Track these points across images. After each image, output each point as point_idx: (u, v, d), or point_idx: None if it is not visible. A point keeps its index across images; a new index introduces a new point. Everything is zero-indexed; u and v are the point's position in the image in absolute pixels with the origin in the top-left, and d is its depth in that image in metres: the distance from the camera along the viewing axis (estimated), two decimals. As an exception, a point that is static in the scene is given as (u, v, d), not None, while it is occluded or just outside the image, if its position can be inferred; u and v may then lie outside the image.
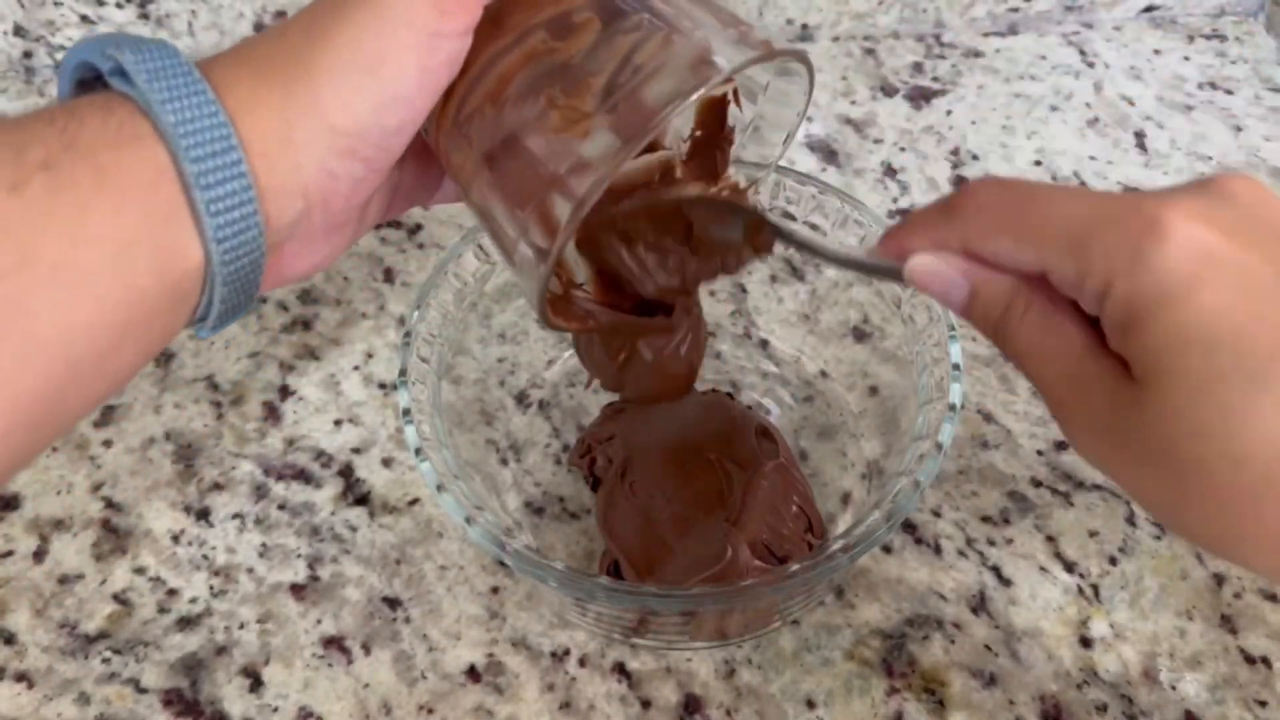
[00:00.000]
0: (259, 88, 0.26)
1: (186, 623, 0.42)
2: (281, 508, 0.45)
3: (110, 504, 0.46)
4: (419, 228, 0.56)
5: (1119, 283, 0.25)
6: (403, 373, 0.39)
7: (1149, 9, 0.69)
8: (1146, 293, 0.24)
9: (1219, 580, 0.43)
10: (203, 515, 0.45)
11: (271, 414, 0.49)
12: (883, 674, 0.40)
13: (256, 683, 0.41)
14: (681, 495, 0.41)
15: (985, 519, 0.45)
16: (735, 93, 0.34)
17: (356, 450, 0.47)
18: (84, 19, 0.62)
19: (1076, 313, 0.27)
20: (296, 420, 0.48)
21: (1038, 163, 0.60)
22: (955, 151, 0.60)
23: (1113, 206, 0.26)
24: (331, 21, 0.27)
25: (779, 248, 0.34)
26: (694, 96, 0.26)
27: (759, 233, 0.34)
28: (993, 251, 0.27)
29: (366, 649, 0.41)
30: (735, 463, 0.41)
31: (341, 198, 0.28)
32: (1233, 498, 0.24)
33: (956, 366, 0.38)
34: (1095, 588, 0.43)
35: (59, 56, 0.63)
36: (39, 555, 0.44)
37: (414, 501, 0.45)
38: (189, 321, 0.28)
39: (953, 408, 0.37)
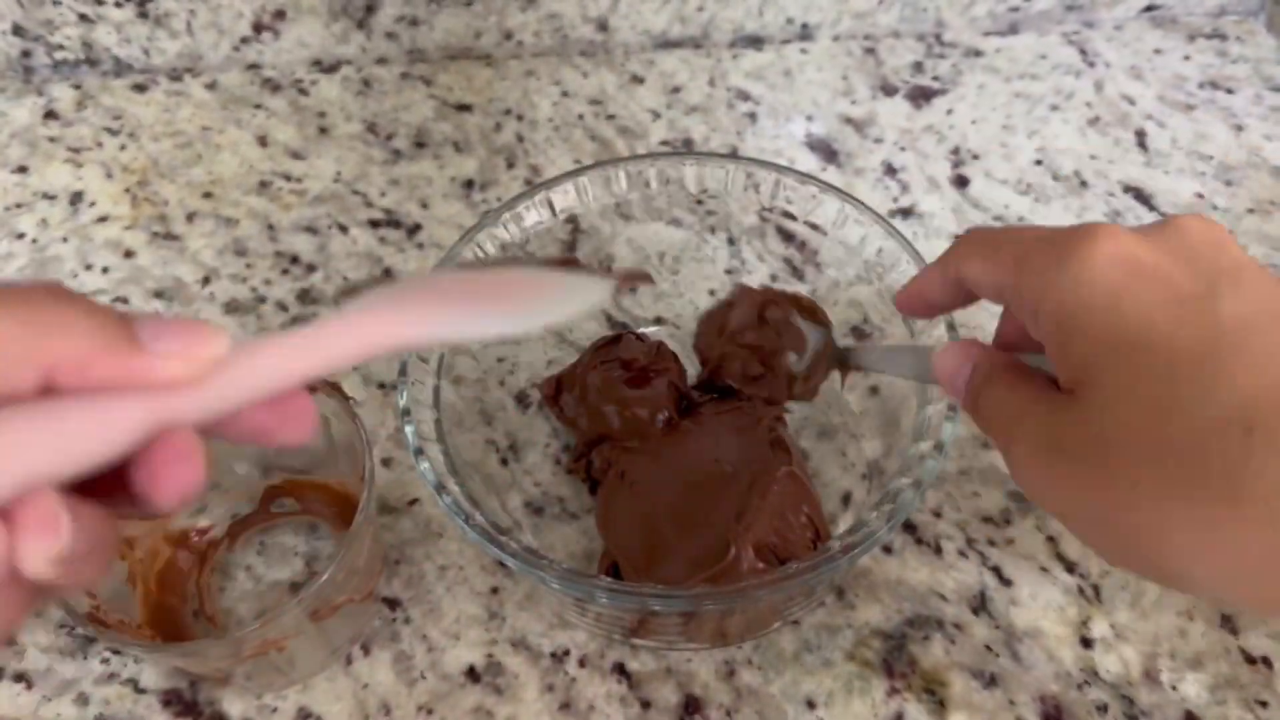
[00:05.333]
0: None
1: (186, 623, 0.42)
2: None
3: (109, 504, 0.45)
4: (419, 228, 0.56)
5: (1049, 294, 0.27)
6: (402, 372, 0.39)
7: (1150, 8, 0.69)
8: (1073, 302, 0.26)
9: (1220, 580, 0.43)
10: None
11: (271, 414, 0.48)
12: (883, 674, 0.40)
13: (256, 683, 0.40)
14: (684, 494, 0.41)
15: (986, 519, 0.45)
16: None
17: (356, 450, 0.47)
18: (83, 18, 0.61)
19: (1032, 374, 0.29)
20: (296, 420, 0.48)
21: (1038, 162, 0.60)
22: (955, 151, 0.60)
23: (1057, 232, 0.28)
24: None
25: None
26: None
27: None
28: (970, 276, 0.30)
29: (366, 649, 0.41)
30: (743, 464, 0.41)
31: None
32: (1155, 493, 0.24)
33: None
34: (1096, 588, 0.42)
35: (58, 56, 0.63)
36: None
37: (413, 501, 0.45)
38: None
39: (953, 408, 0.37)
